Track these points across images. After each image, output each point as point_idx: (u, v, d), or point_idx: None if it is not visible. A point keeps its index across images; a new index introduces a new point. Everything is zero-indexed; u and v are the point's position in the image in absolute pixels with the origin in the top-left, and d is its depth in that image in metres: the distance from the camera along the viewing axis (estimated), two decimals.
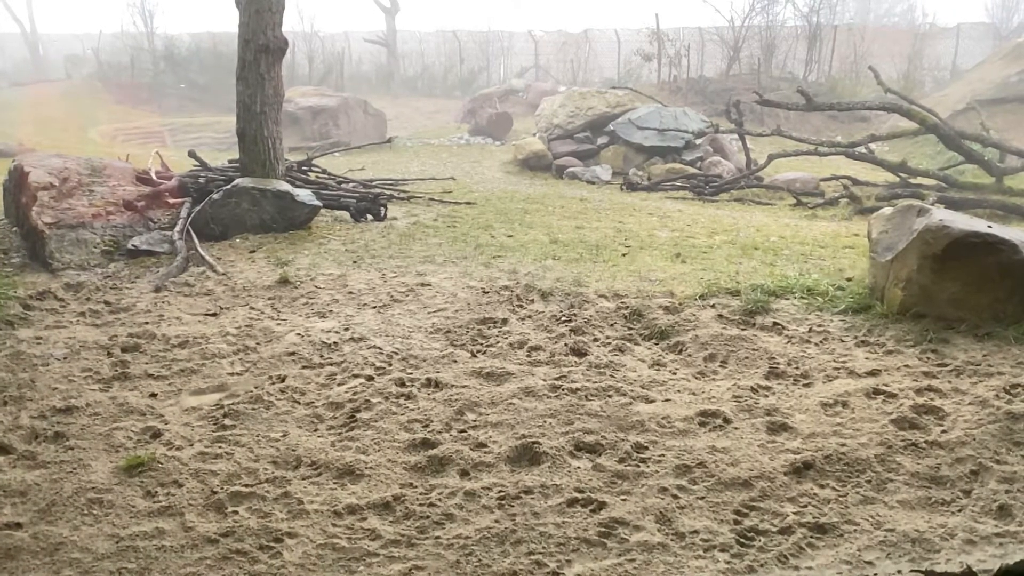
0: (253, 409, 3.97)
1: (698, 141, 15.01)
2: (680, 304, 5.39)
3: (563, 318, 5.24)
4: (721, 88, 22.87)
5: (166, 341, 4.94)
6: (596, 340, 4.91)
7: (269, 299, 5.80)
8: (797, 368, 4.46)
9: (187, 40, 32.67)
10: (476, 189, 11.83)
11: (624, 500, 3.12)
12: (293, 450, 3.53)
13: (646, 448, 3.53)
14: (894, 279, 5.08)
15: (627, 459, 3.44)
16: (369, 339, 4.89)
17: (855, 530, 2.90)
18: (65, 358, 4.66)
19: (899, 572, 2.63)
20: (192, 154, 9.95)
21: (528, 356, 4.69)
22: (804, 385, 4.27)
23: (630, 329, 5.10)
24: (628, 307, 5.35)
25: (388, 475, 3.33)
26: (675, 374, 4.46)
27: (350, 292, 5.90)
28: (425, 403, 4.02)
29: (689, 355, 4.71)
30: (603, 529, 2.93)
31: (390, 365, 4.51)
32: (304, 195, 8.17)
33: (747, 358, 4.59)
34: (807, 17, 27.60)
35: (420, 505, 3.10)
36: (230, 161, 9.98)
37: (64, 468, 3.39)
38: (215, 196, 7.83)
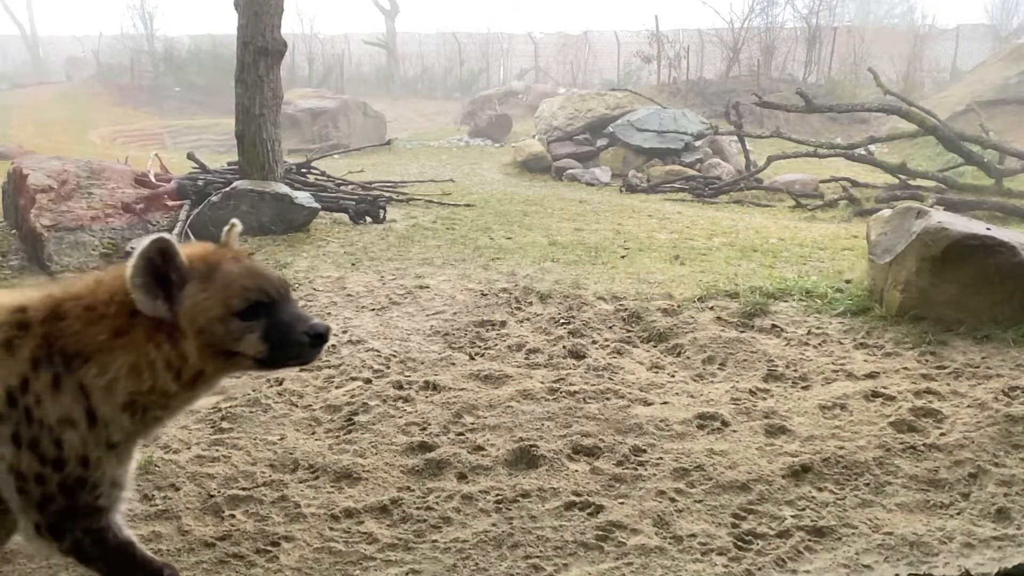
0: (251, 412, 3.96)
1: (697, 143, 15.02)
2: (679, 306, 5.38)
3: (561, 320, 5.23)
4: (721, 90, 22.89)
5: None
6: (594, 342, 4.91)
7: None
8: (795, 370, 4.45)
9: (187, 42, 32.72)
10: (475, 191, 11.84)
11: (622, 503, 3.12)
12: (291, 453, 3.52)
13: (644, 451, 3.52)
14: (893, 281, 5.07)
15: (625, 462, 3.44)
16: (367, 341, 4.88)
17: (853, 533, 2.89)
18: None
19: (897, 575, 2.63)
20: (191, 156, 9.96)
21: (526, 359, 4.68)
22: (802, 387, 4.26)
23: (628, 331, 5.10)
24: (627, 309, 5.35)
25: (385, 478, 3.33)
26: (673, 376, 4.45)
27: (348, 294, 5.90)
28: (423, 406, 4.01)
29: (687, 357, 4.70)
30: (600, 532, 2.92)
31: (388, 368, 4.50)
32: (303, 197, 8.18)
33: (745, 360, 4.58)
34: (806, 19, 27.65)
35: (417, 509, 3.09)
36: (229, 163, 10.00)
37: None
38: (214, 198, 7.83)
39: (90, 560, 2.06)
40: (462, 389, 4.19)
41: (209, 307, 1.90)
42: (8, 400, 1.89)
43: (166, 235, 1.89)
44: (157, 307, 1.89)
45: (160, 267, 1.87)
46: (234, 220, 2.24)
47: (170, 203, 8.19)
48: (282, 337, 1.94)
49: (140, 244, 1.87)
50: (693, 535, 2.90)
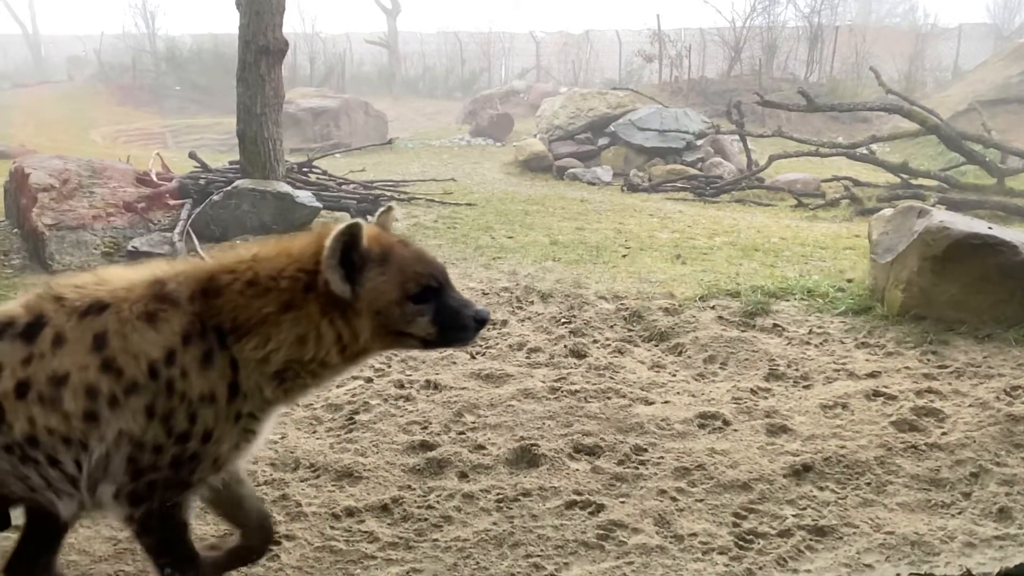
0: None
1: (699, 142, 15.00)
2: (680, 305, 5.38)
3: (563, 319, 5.23)
4: (722, 89, 22.84)
5: None
6: (596, 342, 4.90)
7: None
8: (797, 370, 4.45)
9: (189, 41, 32.72)
10: (476, 190, 11.83)
11: (623, 502, 3.12)
12: (292, 452, 3.53)
13: (645, 450, 3.52)
14: (894, 280, 5.07)
15: (626, 461, 3.44)
16: None
17: (854, 533, 2.89)
18: None
19: (898, 575, 2.63)
20: (193, 155, 9.96)
21: (527, 358, 4.68)
22: (804, 387, 4.26)
23: (630, 331, 5.09)
24: (628, 308, 5.34)
25: (386, 477, 3.33)
26: (675, 376, 4.45)
27: None
28: (424, 405, 4.01)
29: (689, 357, 4.70)
30: (601, 532, 2.92)
31: (389, 367, 4.50)
32: (304, 196, 8.18)
33: (747, 360, 4.58)
34: (808, 18, 27.60)
35: (418, 507, 3.09)
36: (231, 163, 9.99)
37: None
38: (215, 197, 7.83)
39: (149, 532, 2.07)
40: (463, 388, 4.20)
41: (388, 290, 2.00)
42: (149, 372, 1.90)
43: (360, 220, 1.97)
44: (344, 288, 1.97)
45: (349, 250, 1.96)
46: (391, 204, 2.33)
47: (172, 202, 8.19)
48: (452, 320, 2.06)
49: (336, 228, 1.95)
50: (694, 534, 2.90)
